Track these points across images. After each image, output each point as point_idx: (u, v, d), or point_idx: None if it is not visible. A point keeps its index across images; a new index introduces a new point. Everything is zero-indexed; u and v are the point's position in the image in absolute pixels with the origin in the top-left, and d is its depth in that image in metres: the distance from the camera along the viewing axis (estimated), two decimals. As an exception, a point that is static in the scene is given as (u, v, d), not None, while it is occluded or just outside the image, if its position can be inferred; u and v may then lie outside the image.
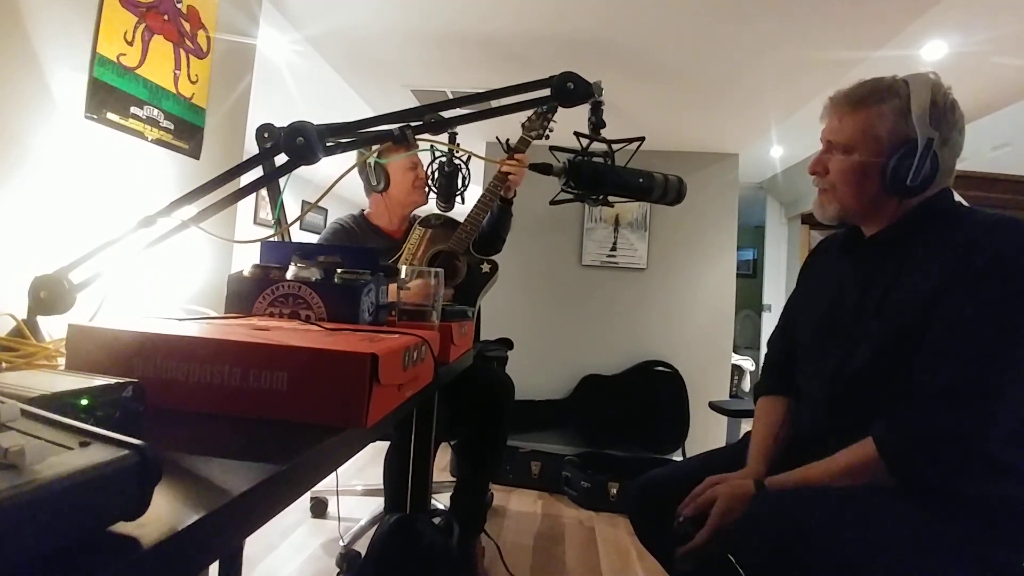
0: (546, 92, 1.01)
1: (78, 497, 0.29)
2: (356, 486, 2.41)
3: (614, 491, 2.65)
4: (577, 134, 1.02)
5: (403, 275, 1.06)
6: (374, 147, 1.74)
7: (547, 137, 1.74)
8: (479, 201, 1.78)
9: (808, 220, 4.75)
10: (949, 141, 0.97)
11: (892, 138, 0.97)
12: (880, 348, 0.95)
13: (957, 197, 1.03)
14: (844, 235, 1.13)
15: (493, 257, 1.80)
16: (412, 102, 2.81)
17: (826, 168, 1.04)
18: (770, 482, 0.99)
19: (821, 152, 1.06)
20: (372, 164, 1.85)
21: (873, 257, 1.04)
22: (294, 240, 1.36)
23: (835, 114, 1.04)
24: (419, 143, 0.98)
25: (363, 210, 2.01)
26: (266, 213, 4.96)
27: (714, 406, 2.80)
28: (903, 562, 0.78)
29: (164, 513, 0.34)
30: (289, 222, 1.22)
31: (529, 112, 1.74)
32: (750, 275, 6.05)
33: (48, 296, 0.79)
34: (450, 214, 1.86)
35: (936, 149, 0.94)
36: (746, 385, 4.92)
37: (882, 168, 0.97)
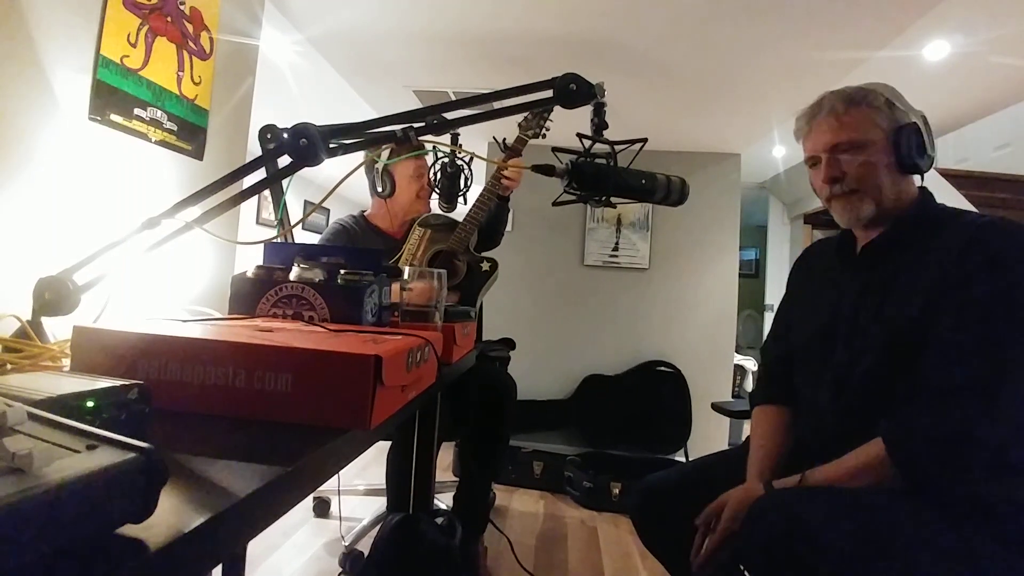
0: (548, 93, 1.01)
1: (85, 500, 0.29)
2: (359, 486, 2.41)
3: (616, 491, 2.65)
4: (580, 135, 1.02)
5: (406, 276, 1.06)
6: (383, 150, 1.74)
7: (544, 136, 1.75)
8: (478, 200, 1.78)
9: (811, 220, 4.74)
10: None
11: (891, 125, 1.00)
12: (883, 353, 0.96)
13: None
14: (838, 242, 1.12)
15: (493, 255, 1.80)
16: (414, 103, 2.81)
17: (843, 171, 1.03)
18: (777, 484, 0.99)
19: (828, 160, 1.04)
20: (380, 170, 1.86)
21: (869, 263, 1.05)
22: (297, 240, 1.36)
23: (831, 116, 1.04)
24: (423, 144, 0.98)
25: (363, 211, 2.01)
26: (269, 213, 4.97)
27: (716, 407, 2.79)
28: (904, 559, 0.77)
29: (170, 515, 0.34)
30: (292, 223, 1.22)
31: (525, 112, 1.74)
32: (752, 275, 6.03)
33: (52, 297, 0.80)
34: (451, 214, 1.87)
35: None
36: (748, 385, 4.91)
37: (895, 151, 0.99)
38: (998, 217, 0.94)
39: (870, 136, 1.00)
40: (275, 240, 1.15)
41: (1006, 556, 0.80)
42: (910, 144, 0.98)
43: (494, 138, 1.78)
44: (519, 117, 1.71)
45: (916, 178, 1.05)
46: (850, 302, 1.04)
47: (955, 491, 0.84)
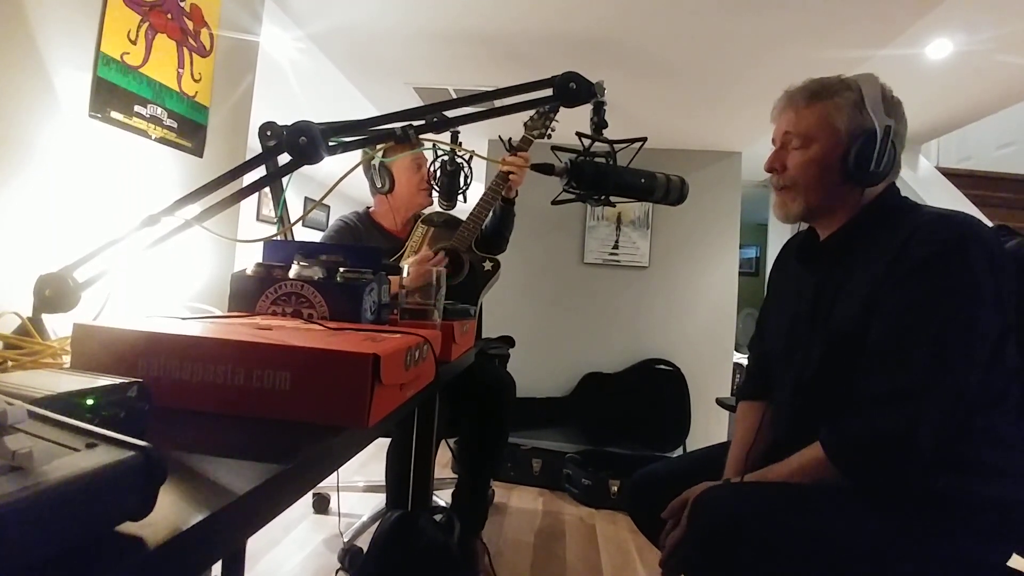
0: (548, 92, 1.01)
1: (85, 499, 0.29)
2: (358, 482, 2.42)
3: (615, 489, 2.66)
4: (579, 134, 1.02)
5: (406, 272, 1.06)
6: (378, 147, 1.74)
7: (549, 136, 1.75)
8: (481, 199, 1.78)
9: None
10: (899, 134, 0.98)
11: (850, 128, 0.97)
12: (828, 354, 0.97)
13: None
14: (801, 240, 1.12)
15: (496, 256, 1.80)
16: (415, 100, 2.81)
17: (783, 164, 1.04)
18: (734, 481, 1.01)
19: (776, 150, 1.06)
20: (377, 166, 1.85)
21: (826, 262, 1.04)
22: (297, 238, 1.36)
23: (791, 108, 1.04)
24: (422, 142, 0.98)
25: (368, 208, 2.01)
26: (268, 210, 4.97)
27: (720, 402, 2.80)
28: (832, 551, 0.81)
29: (169, 513, 0.34)
30: (292, 221, 1.22)
31: (531, 111, 1.74)
32: (752, 273, 6.02)
33: (53, 294, 0.80)
34: (452, 212, 1.87)
35: (893, 138, 0.96)
36: (748, 383, 4.91)
37: (843, 157, 0.97)
38: (948, 214, 0.92)
39: (820, 135, 0.99)
40: (275, 238, 1.15)
41: (923, 548, 0.82)
42: (859, 154, 0.95)
43: (500, 137, 1.78)
44: (519, 115, 1.70)
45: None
46: (807, 303, 1.05)
47: (902, 489, 0.86)
